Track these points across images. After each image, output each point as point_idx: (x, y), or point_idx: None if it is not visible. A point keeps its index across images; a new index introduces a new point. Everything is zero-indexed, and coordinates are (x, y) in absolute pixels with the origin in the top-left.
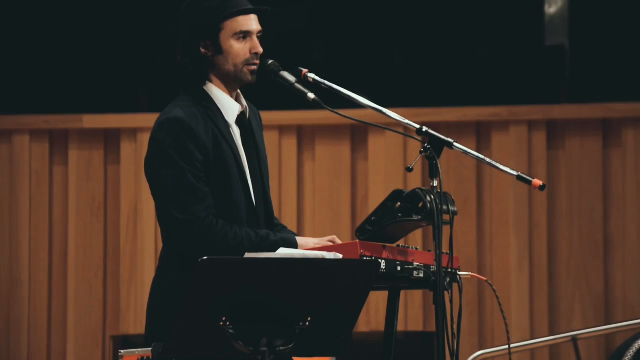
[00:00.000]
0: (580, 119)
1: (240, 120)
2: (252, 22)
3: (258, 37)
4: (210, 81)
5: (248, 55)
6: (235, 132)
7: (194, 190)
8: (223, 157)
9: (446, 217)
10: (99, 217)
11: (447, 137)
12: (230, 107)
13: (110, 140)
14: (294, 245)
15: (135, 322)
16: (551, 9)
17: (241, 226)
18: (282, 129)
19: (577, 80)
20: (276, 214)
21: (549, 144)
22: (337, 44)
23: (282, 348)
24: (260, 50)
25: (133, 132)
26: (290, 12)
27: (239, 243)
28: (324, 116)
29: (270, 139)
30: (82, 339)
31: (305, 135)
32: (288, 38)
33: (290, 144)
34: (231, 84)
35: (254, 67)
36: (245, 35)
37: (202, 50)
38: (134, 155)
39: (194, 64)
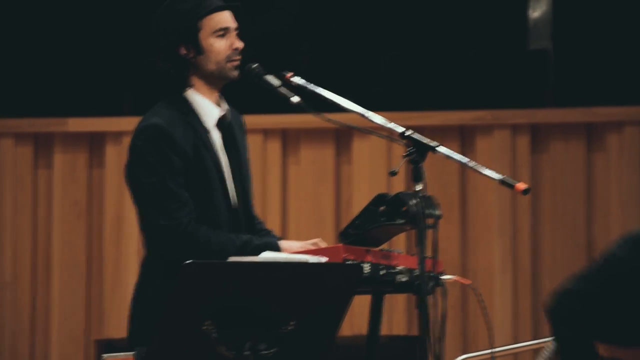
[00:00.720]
0: (564, 123)
1: (221, 124)
2: (228, 19)
3: (236, 34)
4: (192, 85)
5: (229, 51)
6: (216, 136)
7: (176, 196)
8: (203, 163)
9: (430, 220)
10: (83, 220)
11: (431, 141)
12: (209, 111)
13: (95, 143)
14: (277, 249)
15: (119, 326)
16: (535, 13)
17: (224, 231)
18: (267, 133)
19: (561, 84)
20: (260, 218)
21: (533, 148)
22: (322, 47)
23: (265, 352)
24: (241, 45)
25: (118, 136)
26: (275, 16)
27: (222, 248)
28: (308, 120)
29: (254, 143)
30: (65, 342)
31: (289, 139)
32: (272, 41)
33: (274, 147)
34: (215, 84)
35: (237, 63)
36: (224, 32)
37: (183, 52)
38: (118, 158)
39: (176, 67)
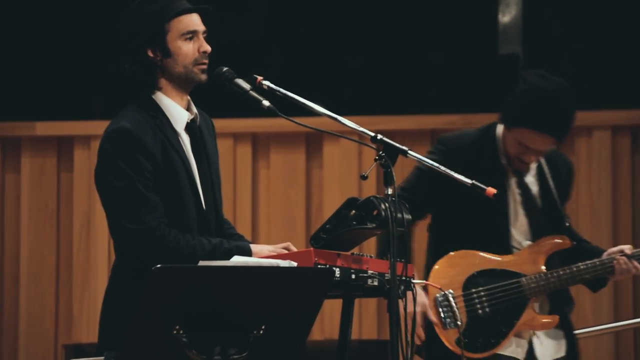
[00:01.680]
0: None
1: (190, 127)
2: (197, 22)
3: (204, 38)
4: (160, 88)
5: (197, 54)
6: (185, 140)
7: (145, 200)
8: (172, 166)
9: (400, 225)
10: (52, 224)
11: (402, 145)
12: (179, 115)
13: (64, 147)
14: (248, 253)
15: (88, 330)
16: (505, 18)
17: (194, 235)
18: (237, 137)
19: None
20: (231, 222)
21: None
22: (292, 51)
23: (236, 357)
24: (208, 49)
25: (86, 140)
26: (245, 20)
27: (192, 252)
28: (278, 124)
29: (224, 147)
30: (34, 347)
31: (259, 143)
32: (243, 46)
33: (244, 151)
34: (182, 87)
35: (204, 67)
36: (192, 35)
37: (150, 55)
38: (87, 162)
39: (143, 70)
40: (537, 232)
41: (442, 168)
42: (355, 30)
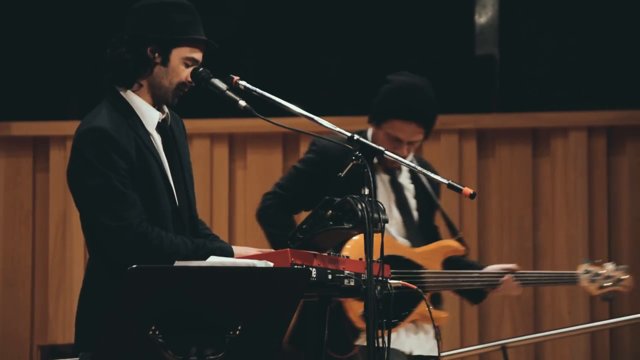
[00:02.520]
0: (510, 129)
1: (162, 127)
2: (200, 54)
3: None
4: (133, 88)
5: (185, 80)
6: (157, 139)
7: (124, 197)
8: (147, 165)
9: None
10: (27, 225)
11: (378, 146)
12: (150, 115)
13: (39, 148)
14: (230, 254)
15: (64, 331)
16: (481, 19)
17: (175, 233)
18: (213, 137)
19: (507, 89)
20: (207, 223)
21: (479, 153)
22: (269, 52)
23: (212, 357)
24: (192, 82)
25: (62, 140)
26: (221, 20)
27: (175, 250)
28: (255, 124)
29: (201, 147)
30: (9, 348)
31: (236, 143)
32: (219, 46)
33: (221, 152)
34: (156, 97)
35: (181, 94)
36: (192, 64)
37: (149, 54)
38: (63, 163)
39: (137, 62)
40: (411, 229)
41: (419, 168)
42: (332, 31)
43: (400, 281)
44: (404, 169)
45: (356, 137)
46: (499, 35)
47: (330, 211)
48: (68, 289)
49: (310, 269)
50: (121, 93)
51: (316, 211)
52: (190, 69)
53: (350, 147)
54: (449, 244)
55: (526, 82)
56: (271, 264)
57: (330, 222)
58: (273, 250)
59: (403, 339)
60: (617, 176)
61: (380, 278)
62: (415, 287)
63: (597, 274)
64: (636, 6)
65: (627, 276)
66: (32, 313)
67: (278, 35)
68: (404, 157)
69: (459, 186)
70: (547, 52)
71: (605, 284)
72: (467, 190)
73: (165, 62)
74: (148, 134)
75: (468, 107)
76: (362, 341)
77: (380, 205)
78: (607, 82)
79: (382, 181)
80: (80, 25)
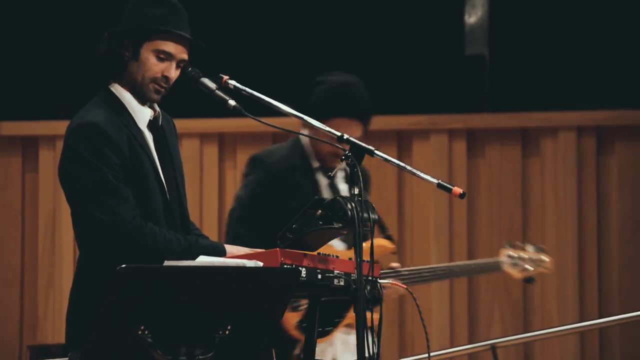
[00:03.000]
0: (500, 128)
1: (153, 125)
2: (177, 49)
3: (179, 65)
4: (119, 82)
5: (158, 75)
6: (148, 137)
7: (117, 192)
8: (139, 162)
9: (367, 224)
10: (17, 225)
11: (368, 145)
12: (141, 112)
13: (29, 147)
14: (223, 253)
15: (54, 331)
16: (471, 19)
17: (168, 230)
18: (203, 137)
19: (497, 89)
20: (197, 223)
21: (469, 153)
22: (258, 51)
23: (201, 357)
24: (172, 76)
25: (52, 140)
26: (211, 20)
27: (169, 246)
28: (245, 124)
29: (191, 147)
30: None
31: (226, 143)
32: (208, 45)
33: (211, 152)
34: (135, 93)
35: (160, 89)
36: (165, 57)
37: (123, 49)
38: (52, 162)
39: (112, 58)
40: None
41: (408, 168)
42: (322, 30)
43: (390, 281)
44: (340, 172)
45: (346, 136)
46: (489, 35)
47: (319, 211)
48: (57, 288)
49: (300, 268)
50: (112, 90)
51: (306, 211)
52: (168, 63)
53: (339, 146)
54: (380, 244)
55: (516, 82)
56: (261, 264)
57: (320, 222)
58: (263, 250)
59: (324, 347)
60: (607, 176)
61: (370, 278)
62: (405, 286)
63: (520, 258)
64: (626, 6)
65: (548, 258)
66: (22, 313)
67: (268, 35)
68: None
69: (448, 186)
70: (536, 52)
71: (527, 267)
72: (457, 189)
73: (135, 56)
74: (140, 131)
75: (458, 107)
76: (298, 351)
77: (370, 205)
78: (596, 82)
79: (323, 186)
80: (70, 24)
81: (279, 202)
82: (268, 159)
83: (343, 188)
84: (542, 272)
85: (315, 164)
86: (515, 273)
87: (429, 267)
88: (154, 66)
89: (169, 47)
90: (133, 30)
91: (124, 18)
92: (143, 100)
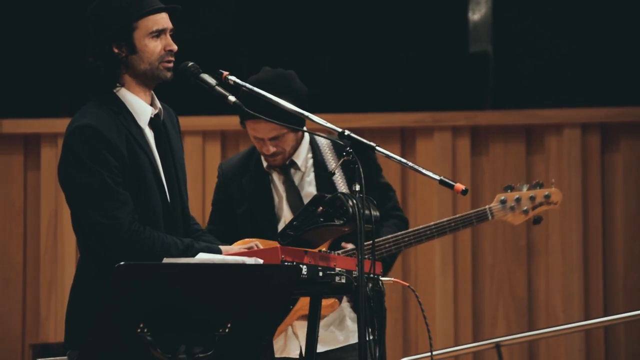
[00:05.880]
0: (504, 126)
1: (154, 122)
2: (165, 20)
3: (170, 35)
4: (123, 84)
5: (163, 52)
6: (149, 135)
7: (115, 195)
8: (138, 162)
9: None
10: (19, 223)
11: (370, 141)
12: (142, 110)
13: (31, 145)
14: (219, 253)
15: (56, 330)
16: (475, 16)
17: (166, 231)
18: (206, 135)
19: (501, 86)
20: (199, 220)
21: (473, 150)
22: (261, 49)
23: (201, 355)
24: (175, 47)
25: (54, 137)
26: (214, 17)
27: (167, 250)
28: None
29: (193, 145)
30: (0, 347)
31: (229, 141)
32: (211, 43)
33: (213, 149)
34: (147, 84)
35: (170, 65)
36: (159, 33)
37: (116, 50)
38: (54, 160)
39: (107, 65)
40: None
41: (410, 164)
42: (325, 28)
43: (392, 278)
44: (309, 168)
45: (347, 132)
46: (493, 32)
47: (320, 208)
48: (60, 287)
49: (301, 266)
50: (113, 90)
51: (307, 208)
52: (164, 37)
53: (341, 142)
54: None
55: (520, 79)
56: (261, 261)
57: (321, 219)
58: (260, 245)
59: (289, 342)
60: (611, 173)
61: (371, 275)
62: (407, 284)
63: (517, 200)
64: (630, 3)
65: (552, 189)
66: (24, 311)
67: (270, 33)
68: (271, 153)
69: (450, 182)
70: (540, 49)
71: (528, 208)
72: (459, 186)
73: (133, 49)
74: (140, 129)
75: (462, 104)
76: None
77: (372, 202)
78: (601, 79)
79: (277, 182)
80: (71, 22)
81: (228, 208)
82: (226, 164)
83: (305, 181)
84: (547, 208)
85: (265, 163)
86: (514, 218)
87: (413, 230)
88: (155, 48)
89: (158, 23)
90: (117, 30)
91: (99, 24)
92: (157, 82)
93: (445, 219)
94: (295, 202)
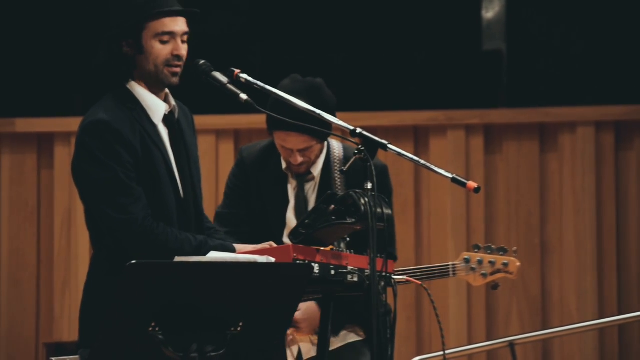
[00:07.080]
0: (517, 124)
1: (168, 119)
2: (177, 24)
3: (184, 40)
4: (134, 80)
5: (169, 56)
6: (163, 132)
7: (129, 190)
8: (151, 159)
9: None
10: (32, 222)
11: (382, 139)
12: (156, 106)
13: (44, 144)
14: (233, 251)
15: (70, 328)
16: (488, 14)
17: (180, 228)
18: (219, 133)
19: (514, 85)
20: (212, 218)
21: (486, 149)
22: (274, 47)
23: (213, 354)
24: (183, 53)
25: (67, 136)
26: (226, 16)
27: (180, 247)
28: (260, 120)
29: (207, 144)
30: (15, 346)
31: (242, 139)
32: (224, 41)
33: (227, 148)
34: (154, 85)
35: (176, 70)
36: (168, 37)
37: (125, 48)
38: (68, 159)
39: (115, 62)
40: None
41: (422, 162)
42: (338, 26)
43: (405, 277)
44: (317, 177)
45: (359, 130)
46: (506, 30)
47: (332, 206)
48: (73, 286)
49: (313, 264)
50: (127, 86)
51: (319, 206)
52: (174, 42)
53: (353, 141)
54: None
55: (533, 77)
56: (273, 260)
57: (333, 217)
58: (275, 246)
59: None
60: (625, 171)
61: (384, 274)
62: (419, 282)
63: (479, 262)
64: None
65: (511, 258)
66: (38, 310)
67: (284, 31)
68: (300, 164)
69: (463, 180)
70: (554, 47)
71: (487, 272)
72: (472, 184)
73: (140, 49)
74: (154, 126)
75: (475, 102)
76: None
77: (384, 200)
78: (614, 77)
79: (290, 189)
80: (84, 20)
81: (247, 195)
82: (246, 152)
83: (309, 188)
84: (503, 276)
85: (284, 166)
86: (474, 279)
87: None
88: (161, 51)
89: (167, 26)
90: (127, 28)
91: (111, 20)
92: (162, 87)
93: (411, 267)
94: (301, 210)
